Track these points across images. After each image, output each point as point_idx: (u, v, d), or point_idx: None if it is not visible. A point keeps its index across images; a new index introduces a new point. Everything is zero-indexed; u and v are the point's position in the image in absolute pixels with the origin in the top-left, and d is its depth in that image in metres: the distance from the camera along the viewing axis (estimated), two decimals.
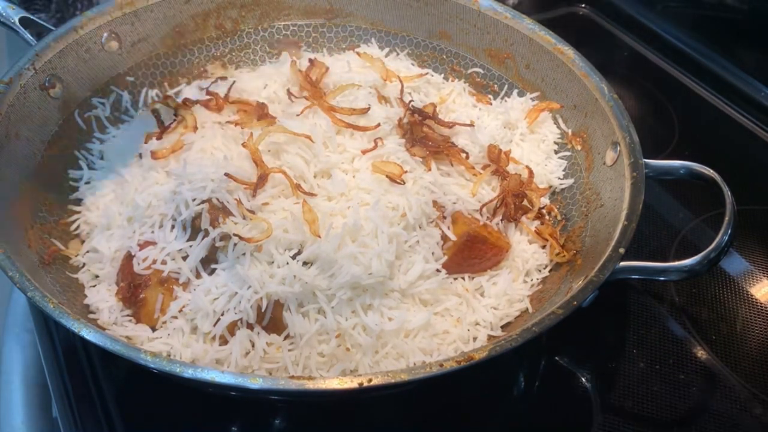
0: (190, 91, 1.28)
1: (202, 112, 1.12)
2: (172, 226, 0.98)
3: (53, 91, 1.12)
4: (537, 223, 1.11)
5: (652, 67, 1.73)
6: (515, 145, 1.22)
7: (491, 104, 1.32)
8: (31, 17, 1.17)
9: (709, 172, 0.99)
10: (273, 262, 0.93)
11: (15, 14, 1.17)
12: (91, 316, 0.95)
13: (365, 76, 1.20)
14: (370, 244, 0.93)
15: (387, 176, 1.00)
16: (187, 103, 1.12)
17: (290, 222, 0.94)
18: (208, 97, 1.16)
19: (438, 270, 0.98)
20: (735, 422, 0.98)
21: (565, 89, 1.24)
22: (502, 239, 1.03)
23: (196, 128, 1.08)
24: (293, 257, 0.93)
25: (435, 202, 1.02)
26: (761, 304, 1.15)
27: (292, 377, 0.86)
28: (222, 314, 0.91)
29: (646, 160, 1.02)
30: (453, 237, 1.00)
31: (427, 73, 1.31)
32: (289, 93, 1.15)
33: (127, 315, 0.95)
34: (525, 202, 1.11)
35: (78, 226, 1.07)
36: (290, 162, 1.01)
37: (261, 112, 1.11)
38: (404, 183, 1.01)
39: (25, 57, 1.08)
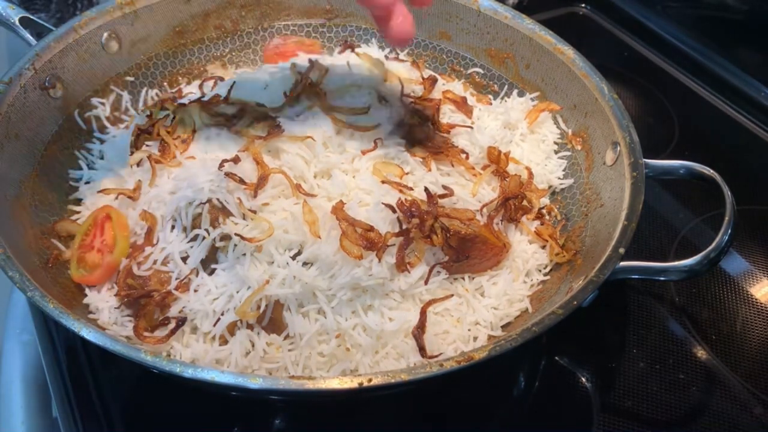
0: (190, 91, 1.28)
1: (202, 113, 1.12)
2: (172, 227, 0.98)
3: (53, 91, 1.12)
4: (537, 223, 1.11)
5: (652, 67, 1.73)
6: (515, 146, 1.22)
7: (491, 104, 1.32)
8: (31, 17, 1.17)
9: (709, 172, 0.99)
10: (273, 263, 0.93)
11: (15, 14, 1.17)
12: (91, 316, 0.95)
13: (365, 76, 1.20)
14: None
15: (385, 181, 1.00)
16: (187, 104, 1.12)
17: (290, 222, 0.94)
18: (207, 97, 1.16)
19: (438, 270, 0.98)
20: (735, 422, 0.98)
21: (565, 89, 1.24)
22: (502, 239, 1.03)
23: (194, 130, 1.08)
24: (293, 258, 0.93)
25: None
26: (761, 304, 1.16)
27: (292, 377, 0.86)
28: (222, 314, 0.91)
29: (646, 160, 1.02)
30: None
31: (429, 77, 1.30)
32: (286, 95, 1.15)
33: (127, 315, 0.95)
34: (525, 203, 1.11)
35: None
36: (290, 162, 1.01)
37: (261, 114, 1.11)
38: (412, 189, 1.01)
39: (25, 57, 1.08)
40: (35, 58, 1.09)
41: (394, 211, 0.96)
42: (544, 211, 1.15)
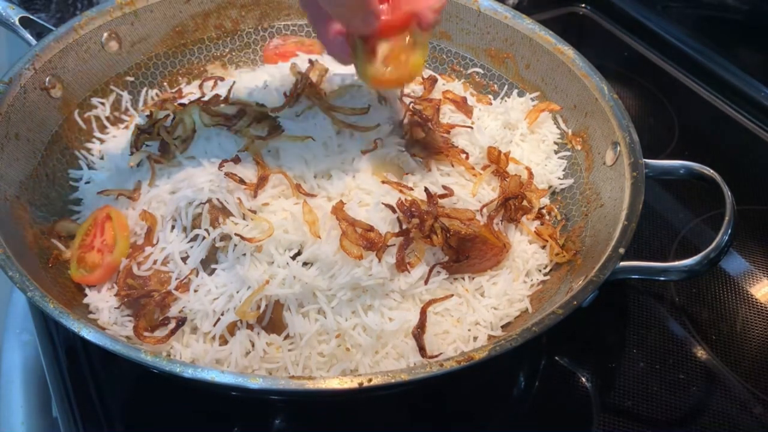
0: (189, 91, 1.28)
1: (202, 113, 1.12)
2: (172, 227, 0.98)
3: (53, 91, 1.12)
4: (537, 223, 1.11)
5: (652, 67, 1.73)
6: (515, 146, 1.22)
7: (491, 104, 1.32)
8: (31, 17, 1.17)
9: (709, 172, 0.99)
10: (273, 263, 0.93)
11: (15, 14, 1.17)
12: (91, 316, 0.95)
13: None
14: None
15: (385, 181, 1.00)
16: (187, 104, 1.12)
17: (290, 222, 0.94)
18: (207, 97, 1.15)
19: (438, 270, 0.98)
20: (735, 422, 0.98)
21: (565, 89, 1.24)
22: (502, 239, 1.03)
23: (194, 130, 1.08)
24: (293, 258, 0.93)
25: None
26: (761, 304, 1.16)
27: (292, 377, 0.86)
28: (222, 314, 0.91)
29: (646, 160, 1.02)
30: None
31: (429, 77, 1.30)
32: (286, 95, 1.15)
33: (127, 315, 0.95)
34: (525, 203, 1.11)
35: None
36: (290, 162, 1.01)
37: (261, 114, 1.11)
38: (412, 189, 1.00)
39: (25, 57, 1.08)
40: (35, 58, 1.09)
41: (394, 211, 0.96)
42: (544, 211, 1.15)
